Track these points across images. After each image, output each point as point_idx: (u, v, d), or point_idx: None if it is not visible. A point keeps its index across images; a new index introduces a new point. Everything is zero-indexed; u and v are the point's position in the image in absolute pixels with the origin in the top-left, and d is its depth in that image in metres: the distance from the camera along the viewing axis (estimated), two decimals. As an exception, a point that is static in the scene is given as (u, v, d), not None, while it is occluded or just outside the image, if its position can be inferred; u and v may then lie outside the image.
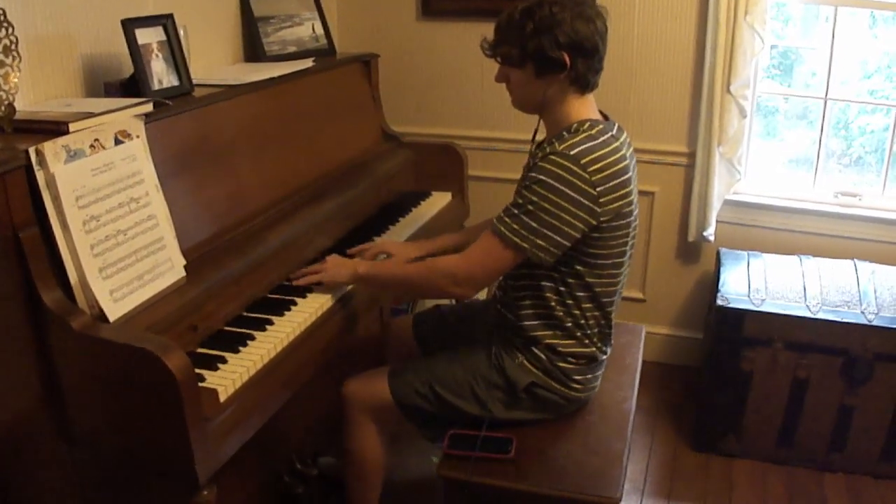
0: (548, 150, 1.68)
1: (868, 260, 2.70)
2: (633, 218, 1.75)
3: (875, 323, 2.36)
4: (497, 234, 1.68)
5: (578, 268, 1.73)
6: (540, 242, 1.65)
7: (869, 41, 2.84)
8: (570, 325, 1.79)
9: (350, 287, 1.96)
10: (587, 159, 1.62)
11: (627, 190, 1.69)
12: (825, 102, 2.82)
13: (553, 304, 1.77)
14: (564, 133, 1.71)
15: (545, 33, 1.64)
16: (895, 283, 2.55)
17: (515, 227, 1.65)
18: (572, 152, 1.63)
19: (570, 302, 1.77)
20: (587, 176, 1.62)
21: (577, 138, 1.66)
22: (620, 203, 1.68)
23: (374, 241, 2.18)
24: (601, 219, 1.66)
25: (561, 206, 1.62)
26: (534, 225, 1.64)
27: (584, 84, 1.71)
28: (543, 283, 1.77)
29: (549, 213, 1.63)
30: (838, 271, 2.63)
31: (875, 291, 2.50)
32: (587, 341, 1.82)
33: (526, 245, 1.65)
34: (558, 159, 1.63)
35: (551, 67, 1.67)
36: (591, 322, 1.81)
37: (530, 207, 1.64)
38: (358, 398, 1.90)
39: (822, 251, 2.80)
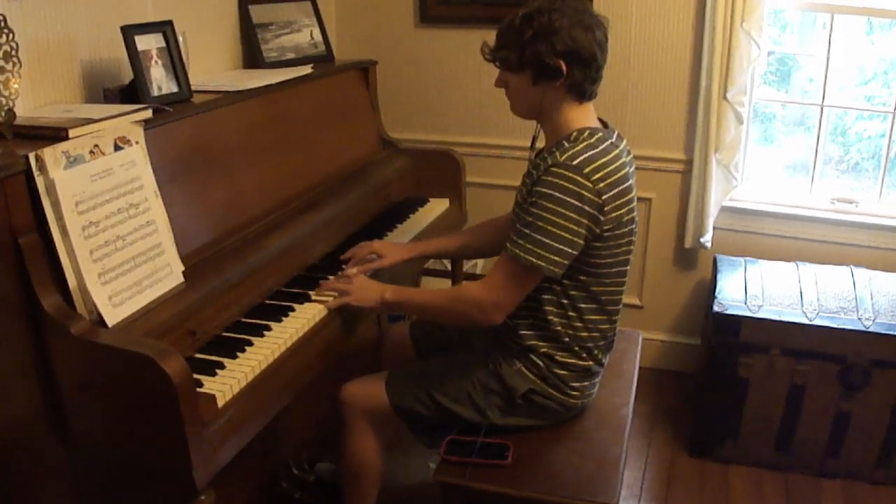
0: (549, 160, 1.68)
1: (865, 266, 2.71)
2: (634, 225, 1.76)
3: (872, 329, 2.37)
4: (513, 257, 1.67)
5: (583, 278, 1.74)
6: (554, 258, 1.65)
7: (866, 47, 2.85)
8: (567, 339, 1.79)
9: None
10: (590, 168, 1.63)
11: (629, 197, 1.70)
12: (822, 109, 2.83)
13: (552, 317, 1.77)
14: (564, 142, 1.71)
15: (543, 40, 1.64)
16: (892, 289, 2.56)
17: (529, 246, 1.65)
18: (575, 162, 1.63)
19: (572, 314, 1.77)
20: (591, 185, 1.62)
21: (578, 147, 1.66)
22: (623, 211, 1.69)
23: (361, 244, 2.11)
24: (604, 227, 1.67)
25: (569, 216, 1.62)
26: (546, 240, 1.63)
27: (581, 93, 1.71)
28: (544, 297, 1.77)
29: (558, 226, 1.63)
30: (835, 278, 2.63)
31: (872, 298, 2.51)
32: (585, 354, 1.82)
33: (542, 263, 1.65)
34: (562, 171, 1.63)
35: (548, 74, 1.68)
36: (595, 335, 1.81)
37: (540, 223, 1.64)
38: (355, 403, 1.90)
39: (818, 258, 2.81)
